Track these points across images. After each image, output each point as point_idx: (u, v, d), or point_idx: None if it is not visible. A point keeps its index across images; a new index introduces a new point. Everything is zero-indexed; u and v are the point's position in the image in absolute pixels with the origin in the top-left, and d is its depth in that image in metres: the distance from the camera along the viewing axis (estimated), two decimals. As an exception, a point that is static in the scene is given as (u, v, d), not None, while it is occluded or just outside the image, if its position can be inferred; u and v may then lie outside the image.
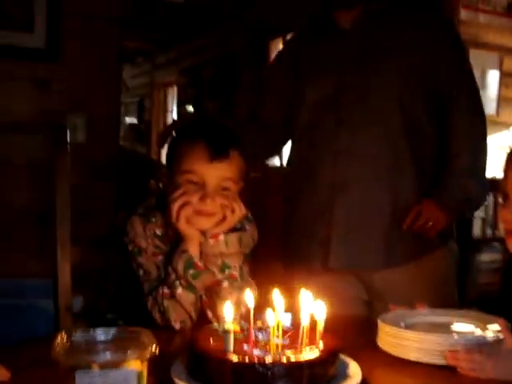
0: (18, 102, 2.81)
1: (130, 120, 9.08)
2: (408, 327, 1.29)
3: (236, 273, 1.46)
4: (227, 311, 1.04)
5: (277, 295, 1.09)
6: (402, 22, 1.88)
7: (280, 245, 2.11)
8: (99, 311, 1.73)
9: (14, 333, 2.33)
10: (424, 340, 1.20)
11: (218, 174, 1.42)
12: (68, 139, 1.74)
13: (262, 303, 1.12)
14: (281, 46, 5.01)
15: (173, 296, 1.41)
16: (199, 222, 1.43)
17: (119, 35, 2.97)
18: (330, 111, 1.84)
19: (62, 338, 0.86)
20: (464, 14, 4.52)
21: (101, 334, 0.90)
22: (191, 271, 1.41)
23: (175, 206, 1.40)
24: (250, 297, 1.09)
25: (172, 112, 7.88)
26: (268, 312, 1.04)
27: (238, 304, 1.33)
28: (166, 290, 1.42)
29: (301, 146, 1.94)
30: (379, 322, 1.31)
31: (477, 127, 1.88)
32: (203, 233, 1.43)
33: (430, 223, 1.78)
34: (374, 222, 1.82)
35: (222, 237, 1.43)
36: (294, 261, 1.94)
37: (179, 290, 1.41)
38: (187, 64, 6.85)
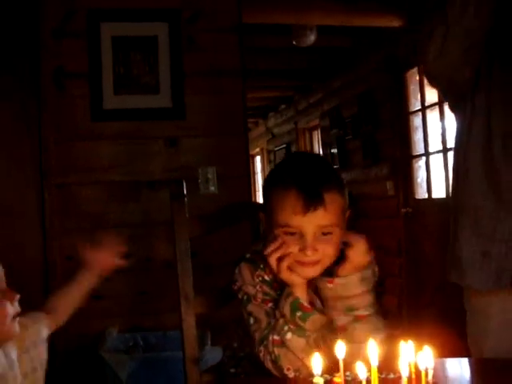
0: (153, 160, 2.97)
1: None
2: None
3: (363, 313, 1.37)
4: (315, 362, 0.97)
5: (372, 345, 1.01)
6: None
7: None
8: (223, 363, 1.71)
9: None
10: None
11: (314, 223, 1.33)
12: (185, 192, 1.77)
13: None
14: (417, 77, 4.87)
15: (283, 343, 1.36)
16: (304, 272, 1.36)
17: (243, 87, 3.04)
18: None
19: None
20: None
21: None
22: (298, 313, 1.34)
23: (273, 259, 1.35)
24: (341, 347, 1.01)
25: (318, 155, 7.92)
26: (358, 364, 0.97)
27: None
28: (275, 337, 1.36)
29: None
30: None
31: None
32: (318, 278, 1.37)
33: None
34: None
35: (338, 280, 1.35)
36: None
37: (288, 336, 1.35)
38: (328, 106, 6.87)
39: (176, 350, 2.50)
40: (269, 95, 7.82)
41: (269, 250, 1.36)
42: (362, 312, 1.36)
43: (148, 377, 2.57)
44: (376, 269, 1.47)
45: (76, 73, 2.92)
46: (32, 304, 1.58)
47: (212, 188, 2.93)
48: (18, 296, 1.40)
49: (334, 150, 6.68)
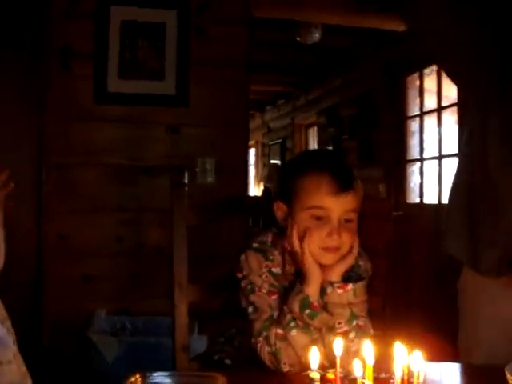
0: (153, 146, 2.97)
1: (274, 161, 9.27)
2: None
3: (362, 323, 1.39)
4: (313, 357, 1.00)
5: (368, 346, 1.04)
6: None
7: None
8: (208, 351, 1.72)
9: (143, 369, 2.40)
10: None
11: (343, 207, 1.38)
12: (186, 181, 1.78)
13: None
14: (418, 82, 4.90)
15: (286, 337, 1.37)
16: (325, 258, 1.38)
17: (247, 80, 3.05)
18: None
19: (135, 381, 0.86)
20: None
21: (172, 378, 0.90)
22: (307, 311, 1.36)
23: (304, 244, 1.37)
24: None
25: (313, 152, 7.93)
26: (356, 362, 0.99)
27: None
28: (279, 331, 1.37)
29: None
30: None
31: None
32: (328, 282, 1.38)
33: None
34: None
35: (350, 286, 1.37)
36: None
37: (293, 332, 1.36)
38: (326, 104, 6.89)
39: (163, 336, 2.53)
40: (268, 89, 7.82)
41: (293, 234, 1.39)
42: (361, 321, 1.39)
43: (134, 360, 2.58)
44: (369, 267, 1.51)
45: (82, 53, 2.91)
46: (25, 283, 1.58)
47: (209, 179, 2.93)
48: None
49: (330, 148, 6.70)
